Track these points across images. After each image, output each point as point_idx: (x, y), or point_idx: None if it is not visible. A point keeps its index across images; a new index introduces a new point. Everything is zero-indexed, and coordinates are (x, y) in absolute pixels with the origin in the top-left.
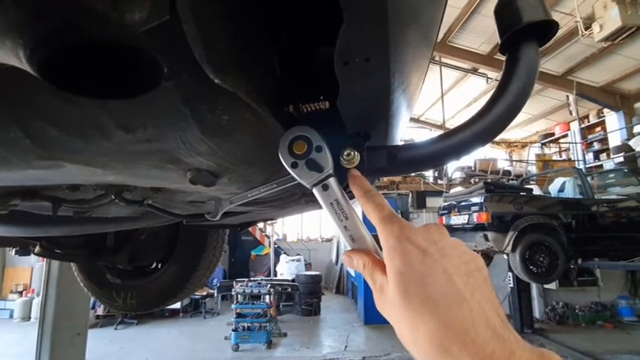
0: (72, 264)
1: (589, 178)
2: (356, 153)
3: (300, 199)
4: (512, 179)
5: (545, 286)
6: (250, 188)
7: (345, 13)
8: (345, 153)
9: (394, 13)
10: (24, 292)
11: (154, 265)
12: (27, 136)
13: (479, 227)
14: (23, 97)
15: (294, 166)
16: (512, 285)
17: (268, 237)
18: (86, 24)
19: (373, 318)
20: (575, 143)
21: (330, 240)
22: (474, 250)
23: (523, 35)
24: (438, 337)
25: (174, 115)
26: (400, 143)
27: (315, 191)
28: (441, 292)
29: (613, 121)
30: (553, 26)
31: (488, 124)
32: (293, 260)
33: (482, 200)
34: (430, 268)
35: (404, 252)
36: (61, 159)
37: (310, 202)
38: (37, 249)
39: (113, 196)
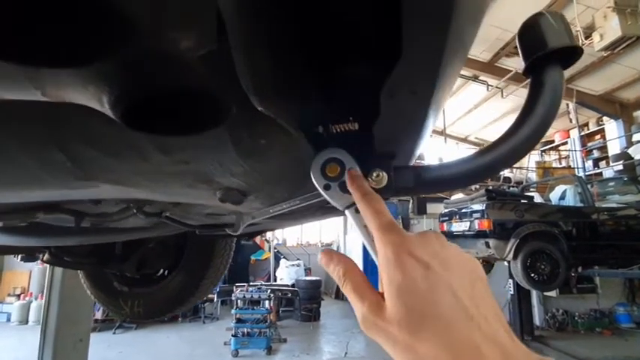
0: (78, 271)
1: (589, 186)
2: (384, 173)
3: (316, 211)
4: (513, 186)
5: (545, 293)
6: (273, 204)
7: (404, 51)
8: (375, 174)
9: (451, 49)
10: (22, 296)
11: (160, 272)
12: (68, 159)
13: (480, 234)
14: (67, 120)
15: (326, 188)
16: (512, 292)
17: (268, 242)
18: (173, 73)
19: None
20: (575, 151)
21: (329, 245)
22: (476, 257)
23: (547, 59)
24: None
25: (214, 139)
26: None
27: (347, 213)
28: (449, 311)
29: (612, 129)
30: (577, 52)
31: (513, 147)
32: (293, 265)
33: (483, 207)
34: (435, 285)
35: (404, 266)
36: (98, 179)
37: (326, 214)
38: (46, 257)
39: (135, 210)
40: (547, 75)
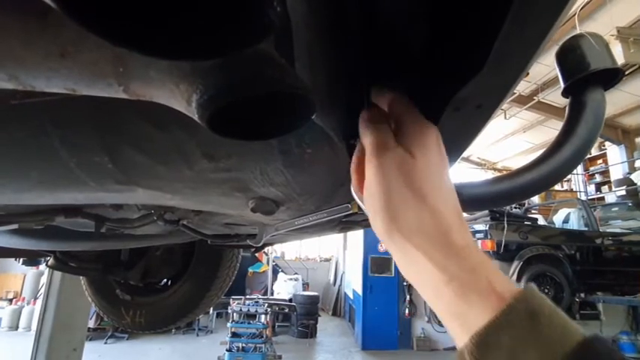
0: (80, 277)
1: (593, 210)
2: None
3: (337, 225)
4: (516, 207)
5: None
6: (300, 216)
7: (489, 64)
8: None
9: (532, 62)
10: (14, 300)
11: (164, 282)
12: (111, 161)
13: None
14: (115, 122)
15: None
16: None
17: (267, 254)
18: (272, 75)
19: (371, 344)
20: (577, 174)
21: (328, 260)
22: None
23: (588, 80)
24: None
25: (262, 146)
26: None
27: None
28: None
29: (615, 153)
30: (619, 73)
31: (555, 167)
32: (291, 279)
33: (486, 227)
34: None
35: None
36: (138, 184)
37: (345, 228)
38: (50, 261)
39: (156, 217)
40: (588, 96)
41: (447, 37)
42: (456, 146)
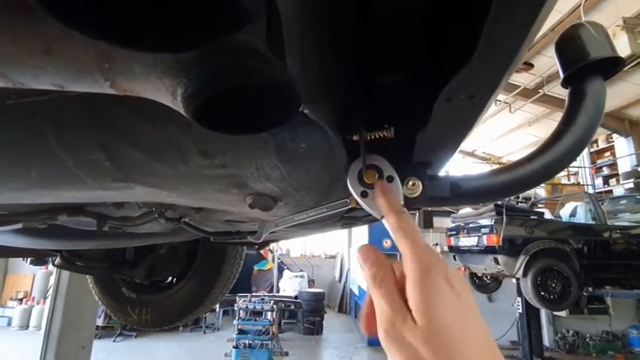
0: (87, 276)
1: (600, 204)
2: (419, 182)
3: (338, 221)
4: (521, 202)
5: (555, 313)
6: (299, 212)
7: (478, 52)
8: (410, 183)
9: (524, 49)
10: (24, 300)
11: (169, 280)
12: (108, 159)
13: (489, 250)
14: (110, 119)
15: (363, 195)
16: (520, 310)
17: (272, 252)
18: (256, 67)
19: (377, 340)
20: (584, 167)
21: (333, 257)
22: (483, 273)
23: (588, 70)
24: None
25: (256, 142)
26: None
27: (385, 222)
28: (472, 340)
29: (622, 146)
30: (619, 62)
31: (556, 157)
32: (296, 276)
33: (492, 222)
34: (464, 312)
35: (440, 288)
36: (135, 181)
37: (346, 224)
38: (57, 261)
39: (157, 215)
40: (588, 85)
41: (435, 28)
42: (452, 137)
